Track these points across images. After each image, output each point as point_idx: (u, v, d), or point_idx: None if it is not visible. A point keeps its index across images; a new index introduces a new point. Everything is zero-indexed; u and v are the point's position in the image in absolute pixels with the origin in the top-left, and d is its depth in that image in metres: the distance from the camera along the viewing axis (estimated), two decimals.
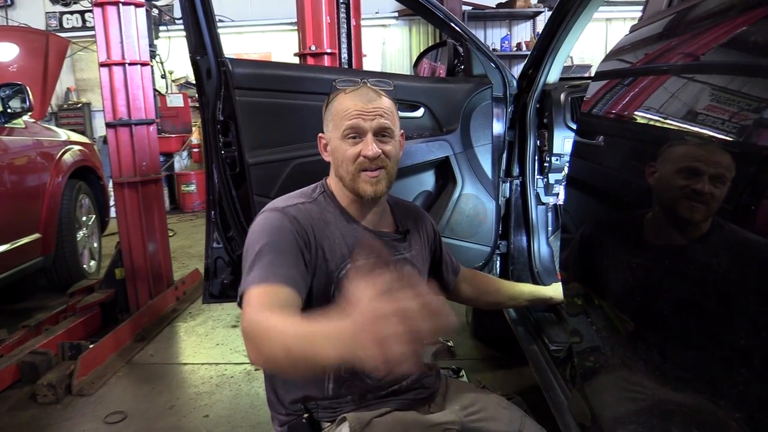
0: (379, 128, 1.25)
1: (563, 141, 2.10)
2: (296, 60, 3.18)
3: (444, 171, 2.06)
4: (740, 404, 0.66)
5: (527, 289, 1.72)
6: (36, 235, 3.42)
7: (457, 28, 2.07)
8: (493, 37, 8.00)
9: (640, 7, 1.40)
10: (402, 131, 1.34)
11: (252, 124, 1.76)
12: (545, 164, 2.15)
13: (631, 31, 1.31)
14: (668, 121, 0.92)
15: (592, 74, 1.37)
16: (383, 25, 8.04)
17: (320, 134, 1.35)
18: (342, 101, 1.27)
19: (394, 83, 1.37)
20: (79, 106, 8.05)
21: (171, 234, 4.43)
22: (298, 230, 1.21)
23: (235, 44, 7.78)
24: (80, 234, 4.01)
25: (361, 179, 1.25)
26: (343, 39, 3.17)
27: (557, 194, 2.18)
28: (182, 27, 1.78)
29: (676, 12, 1.14)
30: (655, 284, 0.90)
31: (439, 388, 1.43)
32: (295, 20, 3.23)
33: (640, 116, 1.04)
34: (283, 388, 1.32)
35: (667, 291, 0.86)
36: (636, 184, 0.98)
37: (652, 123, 0.99)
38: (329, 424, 1.28)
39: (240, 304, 1.16)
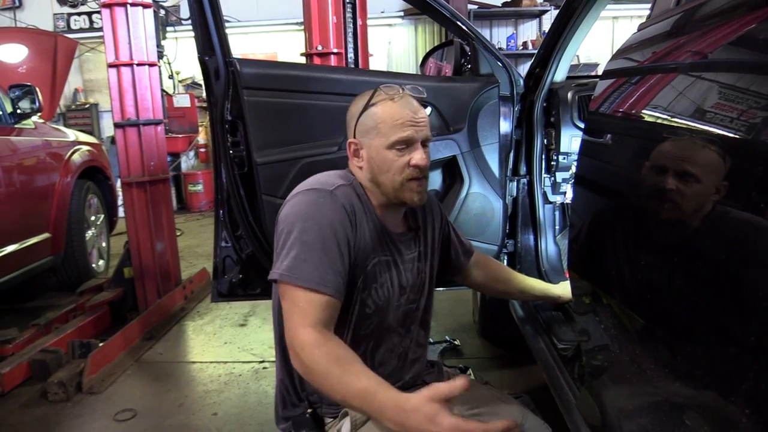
0: (426, 139, 1.27)
1: (570, 139, 2.10)
2: (303, 60, 3.19)
3: (451, 170, 2.06)
4: (751, 401, 0.66)
5: (537, 285, 1.72)
6: (45, 235, 3.45)
7: (464, 27, 2.07)
8: (499, 36, 7.98)
9: (647, 5, 1.40)
10: None
11: (260, 123, 1.77)
12: (552, 163, 2.15)
13: (639, 30, 1.31)
14: (676, 120, 0.92)
15: (599, 73, 1.37)
16: (389, 25, 8.03)
17: (351, 140, 1.32)
18: (389, 110, 1.25)
19: (401, 83, 1.37)
20: (86, 106, 8.08)
21: (178, 233, 4.45)
22: (344, 221, 1.21)
23: (241, 44, 7.79)
24: (89, 233, 4.04)
25: (408, 188, 1.26)
26: (350, 39, 3.17)
27: (564, 193, 2.18)
28: (189, 27, 1.79)
29: (684, 10, 1.14)
30: (664, 282, 0.90)
31: None
32: (302, 20, 3.23)
33: (648, 114, 1.04)
34: (293, 387, 1.33)
35: (676, 288, 0.86)
36: (644, 182, 0.98)
37: (660, 121, 0.99)
38: (332, 419, 1.30)
39: (269, 280, 1.21)
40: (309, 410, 1.30)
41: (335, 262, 1.18)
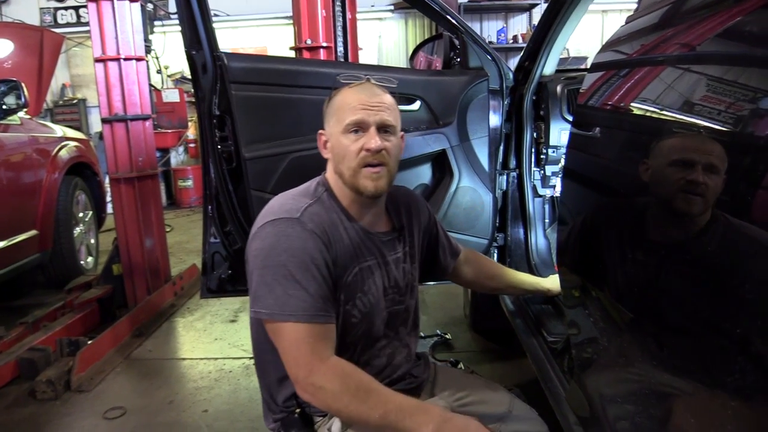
0: (383, 123, 1.23)
1: (559, 133, 2.10)
2: (292, 54, 3.18)
3: (441, 164, 2.05)
4: (736, 393, 0.66)
5: (527, 279, 1.72)
6: (33, 232, 3.42)
7: (454, 21, 2.07)
8: (489, 29, 7.98)
9: None
10: (402, 133, 1.33)
11: (248, 118, 1.76)
12: (542, 156, 2.16)
13: (627, 22, 1.31)
14: (664, 112, 0.92)
15: (588, 66, 1.37)
16: (379, 19, 8.01)
17: (320, 131, 1.33)
18: (345, 96, 1.26)
19: (391, 76, 1.37)
20: (74, 102, 8.00)
21: (168, 229, 4.42)
22: (319, 246, 1.19)
23: (230, 39, 7.74)
24: (77, 230, 4.00)
25: (362, 175, 1.22)
26: (339, 32, 3.16)
27: (554, 186, 2.19)
28: (177, 22, 1.77)
29: (672, 2, 1.14)
30: (652, 275, 0.90)
31: (428, 377, 1.45)
32: (291, 14, 3.22)
33: (637, 107, 1.04)
34: (276, 388, 1.33)
35: (663, 282, 0.86)
36: (632, 175, 0.98)
37: (648, 114, 0.99)
38: (321, 418, 1.29)
39: (257, 318, 1.21)
40: (297, 410, 1.29)
41: (321, 288, 1.17)
